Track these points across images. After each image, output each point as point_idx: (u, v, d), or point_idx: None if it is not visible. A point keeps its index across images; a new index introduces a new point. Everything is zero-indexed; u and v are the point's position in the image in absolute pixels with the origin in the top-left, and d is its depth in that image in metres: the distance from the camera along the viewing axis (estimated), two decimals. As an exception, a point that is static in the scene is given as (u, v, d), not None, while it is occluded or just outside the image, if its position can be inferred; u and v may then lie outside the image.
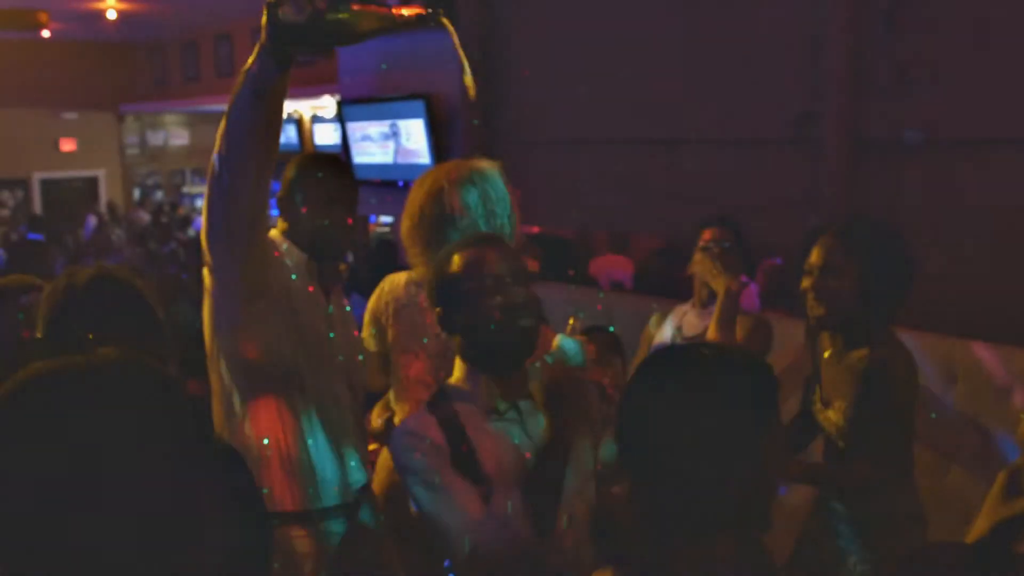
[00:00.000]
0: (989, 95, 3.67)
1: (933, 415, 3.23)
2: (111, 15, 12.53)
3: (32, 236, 11.35)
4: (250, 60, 2.02)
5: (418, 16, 1.93)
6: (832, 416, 2.66)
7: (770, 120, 4.31)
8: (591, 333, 3.72)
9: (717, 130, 4.50)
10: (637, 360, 3.49)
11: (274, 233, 2.65)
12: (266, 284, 2.46)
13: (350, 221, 2.71)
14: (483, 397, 2.09)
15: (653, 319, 3.67)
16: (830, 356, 2.73)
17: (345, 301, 2.86)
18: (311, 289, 2.61)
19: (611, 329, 3.66)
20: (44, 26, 12.66)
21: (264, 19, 1.91)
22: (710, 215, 3.44)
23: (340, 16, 1.86)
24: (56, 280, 2.12)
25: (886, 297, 2.62)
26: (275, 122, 2.12)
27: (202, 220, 2.30)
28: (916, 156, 3.84)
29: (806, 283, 2.66)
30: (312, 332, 2.59)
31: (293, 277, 2.58)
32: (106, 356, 1.03)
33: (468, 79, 2.11)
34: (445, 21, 1.95)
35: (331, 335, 2.66)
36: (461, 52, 2.00)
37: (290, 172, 2.69)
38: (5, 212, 15.87)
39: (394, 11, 1.91)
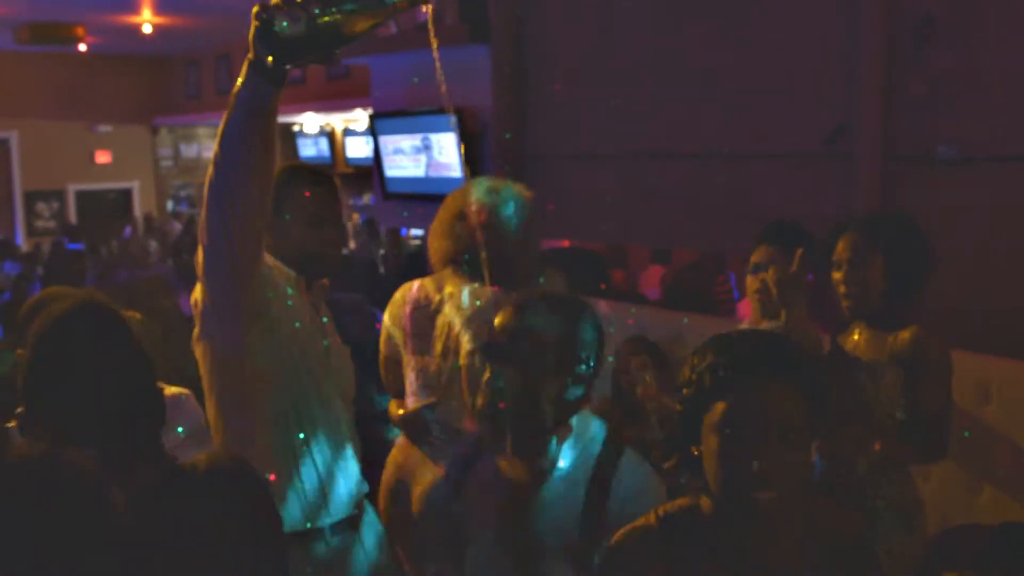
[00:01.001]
0: (1024, 110, 3.65)
1: (966, 433, 3.20)
2: (147, 29, 12.68)
3: (72, 246, 11.50)
4: (239, 83, 1.96)
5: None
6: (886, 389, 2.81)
7: (802, 134, 4.29)
8: (631, 342, 3.76)
9: (749, 144, 4.49)
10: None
11: None
12: (266, 304, 2.41)
13: (340, 236, 2.69)
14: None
15: None
16: (862, 342, 2.92)
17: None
18: (303, 303, 2.58)
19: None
20: (81, 40, 12.84)
21: (251, 35, 1.85)
22: (765, 227, 3.40)
23: (334, 19, 1.79)
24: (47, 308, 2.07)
25: (911, 283, 2.87)
26: (271, 141, 2.07)
27: (200, 242, 2.23)
28: (950, 171, 3.81)
29: (837, 275, 2.91)
30: (311, 346, 2.57)
31: (289, 291, 2.54)
32: (23, 454, 0.99)
33: (440, 80, 2.06)
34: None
35: (326, 344, 2.64)
36: (432, 29, 1.91)
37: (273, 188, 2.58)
38: (41, 223, 16.06)
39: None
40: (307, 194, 2.59)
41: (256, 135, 2.01)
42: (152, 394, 2.00)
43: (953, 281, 3.11)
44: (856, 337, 2.95)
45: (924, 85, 3.85)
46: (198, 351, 2.47)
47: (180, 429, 2.53)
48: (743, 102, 4.49)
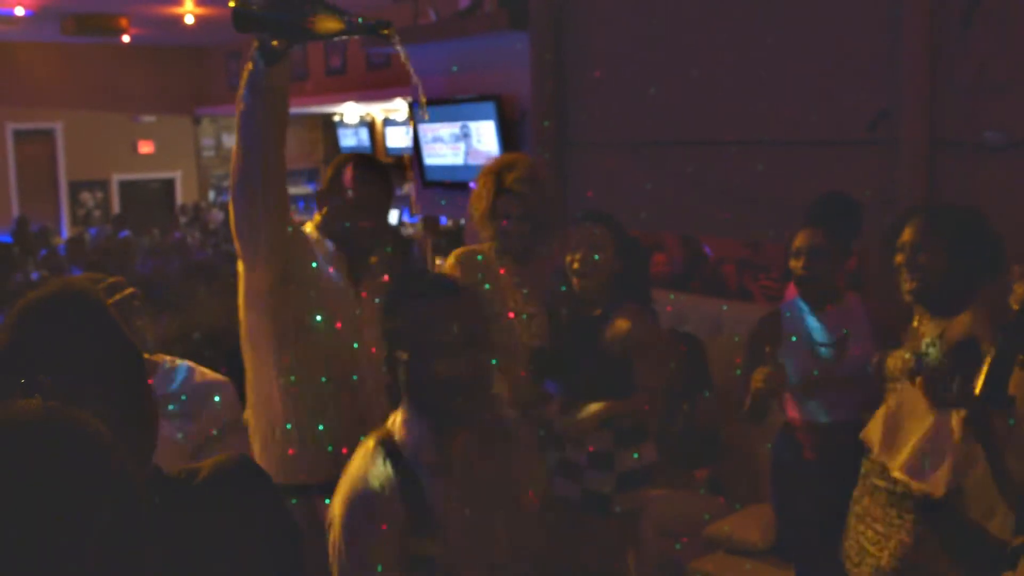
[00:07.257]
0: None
1: (1012, 421, 3.15)
2: (189, 20, 12.78)
3: (123, 234, 11.72)
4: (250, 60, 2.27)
5: (367, 25, 2.11)
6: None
7: (845, 120, 4.24)
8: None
9: (790, 131, 4.44)
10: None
11: (308, 226, 2.88)
12: (292, 269, 2.66)
13: (380, 223, 2.89)
14: None
15: None
16: (919, 327, 2.93)
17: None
18: (332, 271, 2.79)
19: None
20: (124, 31, 12.97)
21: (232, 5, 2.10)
22: (812, 205, 3.38)
23: (302, 14, 2.06)
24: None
25: (973, 275, 2.86)
26: (276, 115, 2.33)
27: (229, 211, 2.51)
28: (996, 157, 3.75)
29: (899, 259, 2.89)
30: (338, 314, 2.76)
31: (314, 265, 2.76)
32: (26, 411, 0.95)
33: (422, 98, 2.30)
34: (393, 35, 2.12)
35: (358, 313, 2.83)
36: (409, 66, 2.17)
37: (331, 171, 2.89)
38: (84, 212, 16.26)
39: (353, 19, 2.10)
40: (354, 180, 2.84)
41: (258, 105, 2.27)
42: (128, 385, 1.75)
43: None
44: (916, 324, 2.95)
45: (970, 69, 3.79)
46: (241, 304, 2.73)
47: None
48: (785, 88, 4.45)
